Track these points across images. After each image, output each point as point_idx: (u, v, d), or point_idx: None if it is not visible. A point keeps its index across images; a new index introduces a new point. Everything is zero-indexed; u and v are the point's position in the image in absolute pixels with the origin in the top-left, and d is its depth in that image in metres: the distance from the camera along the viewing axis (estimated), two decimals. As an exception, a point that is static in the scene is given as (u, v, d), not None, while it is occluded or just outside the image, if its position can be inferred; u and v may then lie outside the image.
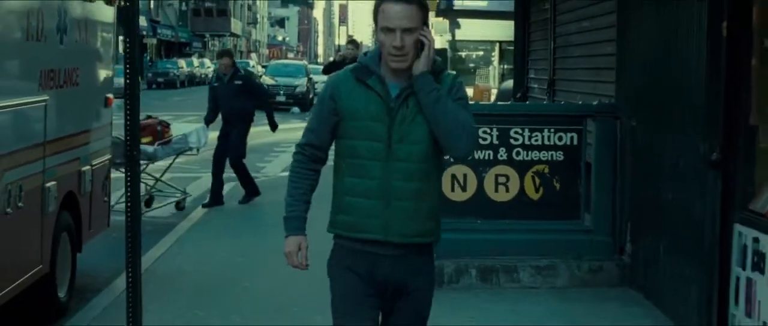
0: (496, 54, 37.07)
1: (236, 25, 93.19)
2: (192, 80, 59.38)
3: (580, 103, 8.72)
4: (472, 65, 40.05)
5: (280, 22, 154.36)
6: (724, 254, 5.85)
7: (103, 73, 8.07)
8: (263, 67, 58.34)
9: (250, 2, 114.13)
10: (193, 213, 11.60)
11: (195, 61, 65.74)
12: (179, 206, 12.17)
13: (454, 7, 31.39)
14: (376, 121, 3.74)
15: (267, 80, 36.63)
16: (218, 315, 6.99)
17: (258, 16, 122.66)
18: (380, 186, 3.74)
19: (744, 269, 5.59)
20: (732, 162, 5.85)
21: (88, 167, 7.50)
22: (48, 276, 6.69)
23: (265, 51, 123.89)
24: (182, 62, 60.42)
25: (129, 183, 5.02)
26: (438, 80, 3.76)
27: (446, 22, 36.63)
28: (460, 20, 35.52)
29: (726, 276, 5.83)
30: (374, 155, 3.75)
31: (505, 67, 32.95)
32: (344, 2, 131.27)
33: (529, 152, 7.77)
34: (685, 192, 6.42)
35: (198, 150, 12.49)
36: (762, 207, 5.52)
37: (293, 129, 21.40)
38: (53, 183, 6.62)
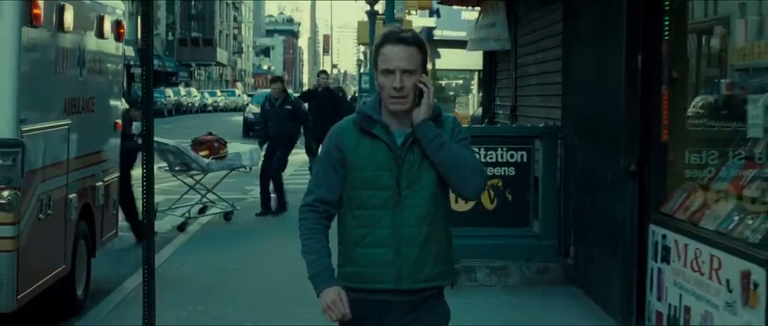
0: (475, 82, 38.18)
1: (222, 55, 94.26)
2: (179, 109, 60.51)
3: (529, 125, 9.92)
4: (452, 93, 41.15)
5: (265, 52, 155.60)
6: (642, 250, 6.99)
7: (113, 102, 9.21)
8: (249, 95, 59.49)
9: (236, 32, 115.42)
10: (190, 227, 12.72)
11: (182, 90, 66.87)
12: (227, 217, 13.36)
13: (434, 37, 32.62)
14: (383, 170, 3.72)
15: (252, 109, 37.72)
16: (215, 309, 8.10)
17: (243, 45, 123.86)
18: (391, 234, 3.71)
19: (656, 261, 6.73)
20: (647, 173, 7.01)
21: (101, 183, 8.61)
22: (69, 275, 7.77)
23: (250, 80, 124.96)
24: (169, 91, 61.54)
25: (144, 189, 6.12)
26: (438, 123, 3.75)
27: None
28: (440, 50, 36.60)
29: (643, 269, 6.97)
30: (383, 204, 3.72)
31: (483, 95, 34.14)
32: (328, 33, 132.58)
33: (485, 168, 8.93)
34: (611, 199, 7.57)
35: (250, 168, 13.83)
36: (670, 209, 6.67)
37: None
38: (74, 195, 7.73)
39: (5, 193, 6.15)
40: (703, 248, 5.84)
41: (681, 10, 6.79)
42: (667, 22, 6.70)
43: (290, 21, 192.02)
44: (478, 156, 8.88)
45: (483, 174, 3.78)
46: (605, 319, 7.56)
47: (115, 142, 9.34)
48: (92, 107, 8.28)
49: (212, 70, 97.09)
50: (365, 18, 27.94)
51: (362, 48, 52.22)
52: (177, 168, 12.70)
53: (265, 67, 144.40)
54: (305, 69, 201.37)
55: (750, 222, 5.48)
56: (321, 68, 40.27)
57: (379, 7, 25.58)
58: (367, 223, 3.73)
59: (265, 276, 9.45)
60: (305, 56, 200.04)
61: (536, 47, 11.22)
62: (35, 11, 6.60)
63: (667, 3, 6.68)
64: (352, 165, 3.74)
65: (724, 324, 5.46)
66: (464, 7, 19.23)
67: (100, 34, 8.52)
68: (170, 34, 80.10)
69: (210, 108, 69.93)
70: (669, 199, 6.75)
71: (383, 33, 3.76)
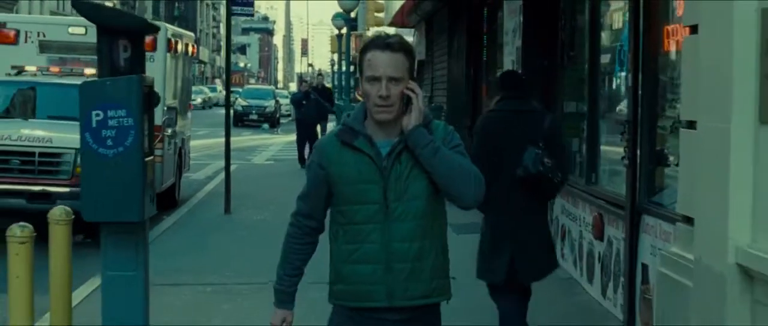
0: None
1: (203, 53, 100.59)
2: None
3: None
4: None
5: (242, 49, 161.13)
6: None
7: (189, 91, 16.04)
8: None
9: (215, 31, 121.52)
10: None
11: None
12: None
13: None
14: (369, 183, 3.56)
15: (241, 102, 44.10)
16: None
17: (221, 43, 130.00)
18: (380, 250, 3.56)
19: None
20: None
21: (185, 138, 15.36)
22: (173, 184, 14.47)
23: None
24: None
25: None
26: (428, 130, 3.55)
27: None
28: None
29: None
30: (371, 218, 3.56)
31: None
32: (302, 31, 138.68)
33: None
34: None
35: None
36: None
37: (265, 139, 32.20)
38: (177, 140, 14.45)
39: (169, 130, 12.84)
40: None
41: (492, 37, 13.61)
42: (484, 45, 13.57)
43: (265, 19, 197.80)
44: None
45: (481, 181, 3.58)
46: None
47: (188, 118, 16.10)
48: (183, 94, 15.04)
49: (194, 67, 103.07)
50: (335, 25, 34.48)
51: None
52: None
53: (241, 65, 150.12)
54: (280, 66, 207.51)
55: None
56: (297, 69, 46.78)
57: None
58: (356, 239, 3.59)
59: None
60: (280, 54, 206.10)
61: (440, 59, 18.07)
62: (171, 44, 13.34)
63: (485, 35, 13.52)
64: (336, 179, 3.60)
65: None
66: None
67: (186, 52, 15.26)
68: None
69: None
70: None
71: (369, 39, 3.64)
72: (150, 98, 5.31)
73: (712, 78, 5.14)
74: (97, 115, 5.00)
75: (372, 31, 38.87)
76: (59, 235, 5.50)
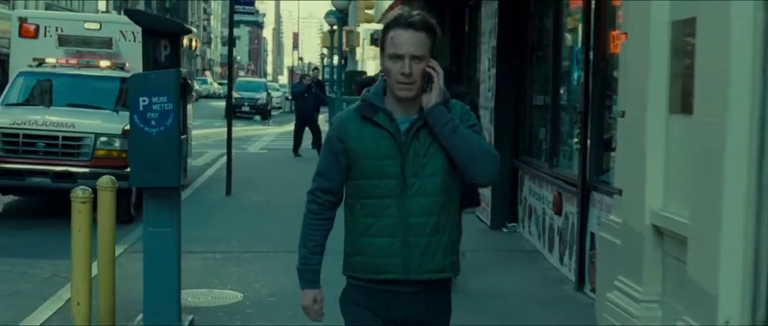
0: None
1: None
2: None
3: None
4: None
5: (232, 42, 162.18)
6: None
7: (192, 82, 17.25)
8: (219, 84, 65.50)
9: (206, 23, 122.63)
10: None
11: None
12: None
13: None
14: (388, 159, 3.61)
15: (234, 94, 45.25)
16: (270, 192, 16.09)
17: (212, 36, 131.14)
18: (397, 223, 3.62)
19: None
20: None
21: (188, 127, 16.57)
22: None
23: (218, 69, 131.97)
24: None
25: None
26: (447, 109, 3.62)
27: (378, 48, 45.74)
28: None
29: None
30: (389, 193, 3.62)
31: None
32: (293, 26, 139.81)
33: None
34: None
35: None
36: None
37: (257, 130, 33.59)
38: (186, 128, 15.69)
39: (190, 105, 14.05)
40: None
41: (473, 37, 14.84)
42: (465, 44, 14.80)
43: (255, 12, 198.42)
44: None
45: (497, 159, 3.66)
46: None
47: (191, 105, 17.31)
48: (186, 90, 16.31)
49: (195, 60, 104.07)
50: (327, 22, 35.68)
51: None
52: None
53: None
54: (269, 59, 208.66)
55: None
56: (287, 63, 47.99)
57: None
58: (374, 212, 3.65)
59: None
60: (269, 46, 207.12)
61: (425, 56, 19.36)
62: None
63: (466, 34, 14.76)
64: (354, 154, 3.66)
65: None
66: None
67: (189, 47, 16.47)
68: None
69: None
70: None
71: (393, 16, 3.63)
72: (185, 88, 6.55)
73: (635, 76, 6.45)
74: (144, 100, 6.24)
75: (362, 28, 40.23)
76: (106, 199, 6.74)
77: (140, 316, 6.73)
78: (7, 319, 7.54)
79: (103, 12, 55.72)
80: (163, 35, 6.43)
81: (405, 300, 3.72)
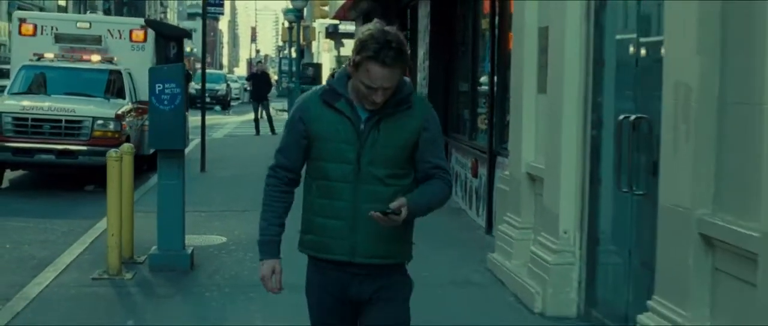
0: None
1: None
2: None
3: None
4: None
5: (188, 34, 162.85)
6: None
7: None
8: None
9: (163, 16, 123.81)
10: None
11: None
12: None
13: (339, 30, 42.24)
14: (345, 143, 3.72)
15: (194, 85, 47.24)
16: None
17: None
18: (349, 207, 3.73)
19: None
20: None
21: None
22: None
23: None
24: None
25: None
26: (408, 103, 3.76)
27: (332, 41, 47.92)
28: (344, 40, 46.30)
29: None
30: (344, 177, 3.73)
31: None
32: (250, 19, 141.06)
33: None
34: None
35: None
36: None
37: (220, 119, 36.46)
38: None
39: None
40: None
41: (414, 34, 17.21)
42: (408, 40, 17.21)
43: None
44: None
45: (451, 183, 3.96)
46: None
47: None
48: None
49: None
50: (287, 19, 37.84)
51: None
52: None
53: (188, 49, 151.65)
54: (225, 51, 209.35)
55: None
56: (245, 55, 50.43)
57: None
58: (328, 194, 3.77)
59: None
60: (225, 39, 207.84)
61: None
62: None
63: (407, 31, 17.13)
64: (315, 136, 3.76)
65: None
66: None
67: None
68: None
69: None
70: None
71: (372, 41, 3.63)
72: (188, 77, 8.91)
73: (516, 66, 8.90)
74: (159, 86, 8.55)
75: (318, 22, 42.26)
76: (127, 161, 9.05)
77: (155, 247, 9.07)
78: (44, 256, 9.84)
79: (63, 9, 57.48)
80: (172, 38, 8.80)
81: (355, 282, 3.88)
